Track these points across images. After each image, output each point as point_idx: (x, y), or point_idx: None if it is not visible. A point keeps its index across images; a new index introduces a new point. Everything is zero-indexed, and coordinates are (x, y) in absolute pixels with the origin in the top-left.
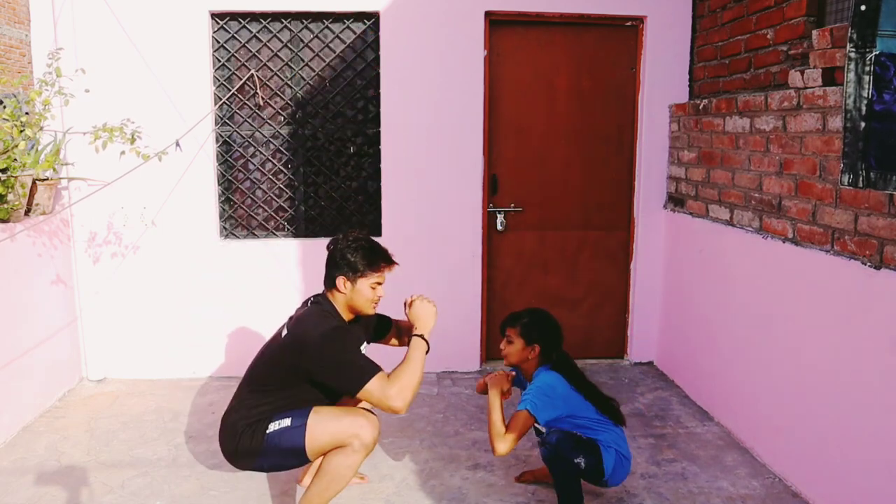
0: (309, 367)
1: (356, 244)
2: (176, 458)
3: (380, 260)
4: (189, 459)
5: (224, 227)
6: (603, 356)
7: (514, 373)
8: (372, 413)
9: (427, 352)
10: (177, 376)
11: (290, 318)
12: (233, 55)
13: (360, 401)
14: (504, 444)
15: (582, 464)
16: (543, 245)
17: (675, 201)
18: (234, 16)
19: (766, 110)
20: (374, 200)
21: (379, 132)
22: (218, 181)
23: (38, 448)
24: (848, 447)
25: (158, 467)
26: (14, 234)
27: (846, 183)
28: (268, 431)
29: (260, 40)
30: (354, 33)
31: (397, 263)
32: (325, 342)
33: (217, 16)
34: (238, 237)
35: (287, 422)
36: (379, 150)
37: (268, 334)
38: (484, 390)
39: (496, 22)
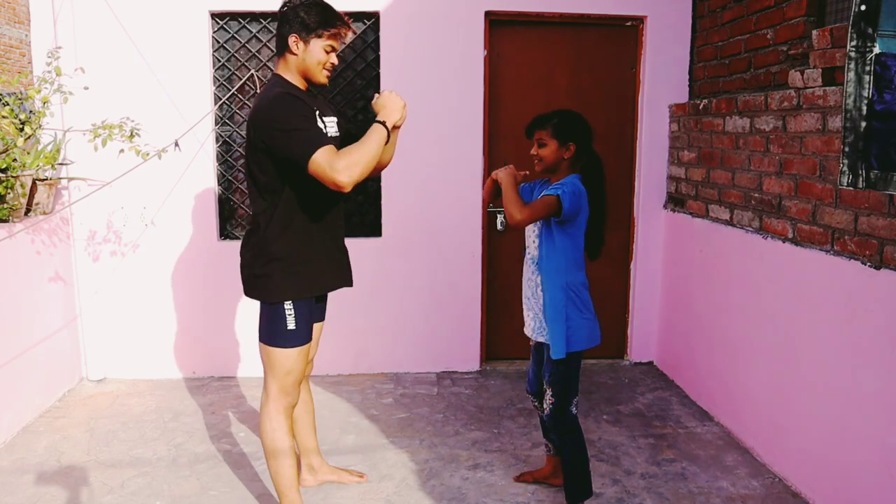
0: (263, 137)
1: (311, 2)
2: (176, 458)
3: (336, 20)
4: (189, 459)
5: (224, 227)
6: (603, 356)
7: (526, 172)
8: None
9: (387, 142)
10: (177, 376)
11: None
12: (233, 55)
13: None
14: (522, 214)
15: (576, 403)
16: None
17: (675, 201)
18: (234, 16)
19: (766, 110)
20: (374, 200)
21: None
22: (218, 181)
23: (38, 448)
24: (848, 447)
25: (158, 467)
26: (14, 233)
27: (846, 183)
28: (285, 304)
29: (260, 40)
30: (354, 33)
31: (353, 29)
32: (272, 106)
33: (217, 16)
34: (238, 237)
35: (292, 323)
36: None
37: None
38: (490, 194)
39: (496, 22)
